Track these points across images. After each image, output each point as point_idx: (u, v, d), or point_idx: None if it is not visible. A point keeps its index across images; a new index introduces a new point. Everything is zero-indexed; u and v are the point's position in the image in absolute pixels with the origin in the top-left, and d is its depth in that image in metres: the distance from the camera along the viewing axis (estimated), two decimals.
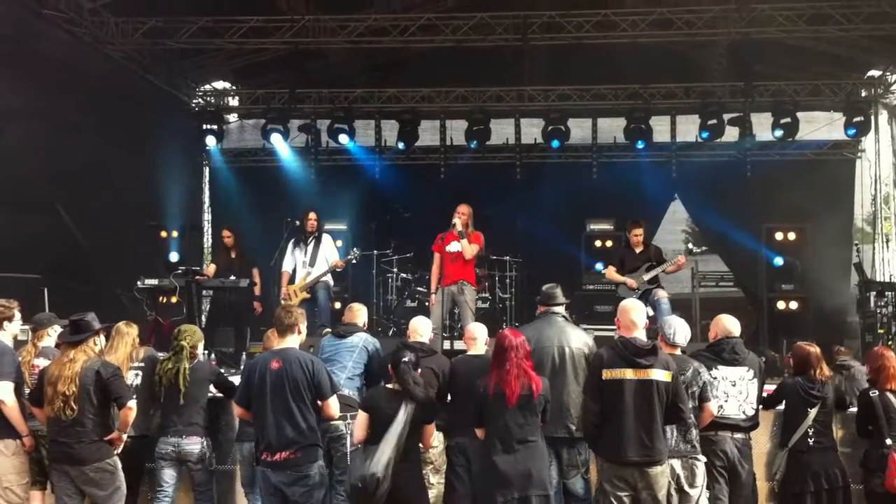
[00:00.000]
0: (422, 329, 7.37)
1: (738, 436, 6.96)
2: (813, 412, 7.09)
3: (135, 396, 6.68)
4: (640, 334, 6.20)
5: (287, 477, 6.17)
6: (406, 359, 6.27)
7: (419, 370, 6.40)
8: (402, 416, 6.04)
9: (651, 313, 9.32)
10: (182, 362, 7.06)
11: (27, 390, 6.87)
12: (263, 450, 6.20)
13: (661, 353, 6.17)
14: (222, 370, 8.29)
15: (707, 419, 6.65)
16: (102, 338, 6.82)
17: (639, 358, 6.00)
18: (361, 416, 6.26)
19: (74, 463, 6.35)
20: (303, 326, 6.55)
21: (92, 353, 6.51)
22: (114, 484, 6.48)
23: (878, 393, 7.22)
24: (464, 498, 6.61)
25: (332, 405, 6.33)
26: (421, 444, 6.37)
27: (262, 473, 6.28)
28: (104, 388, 6.36)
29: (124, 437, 6.60)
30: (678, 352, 6.68)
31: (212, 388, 7.37)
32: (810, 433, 7.08)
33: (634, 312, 6.28)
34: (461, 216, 9.98)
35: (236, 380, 7.67)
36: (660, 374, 6.00)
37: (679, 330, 6.75)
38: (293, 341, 6.44)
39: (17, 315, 7.04)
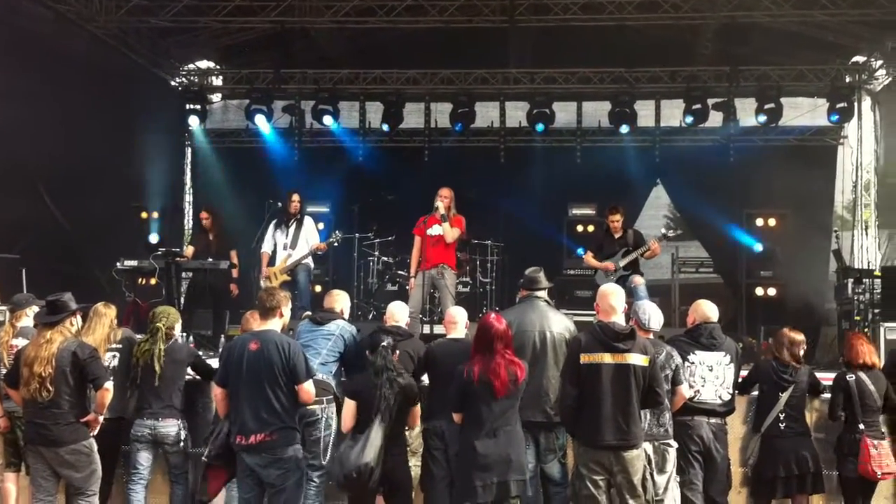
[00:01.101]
0: (398, 314, 7.39)
1: (714, 420, 7.04)
2: (784, 396, 7.15)
3: (112, 378, 6.66)
4: (619, 319, 6.22)
5: (262, 459, 6.17)
6: (384, 343, 6.29)
7: (396, 354, 6.43)
8: (382, 404, 6.08)
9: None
10: (158, 343, 7.04)
11: (3, 371, 6.85)
12: (237, 433, 6.19)
13: (640, 337, 6.20)
14: (200, 353, 8.27)
15: (679, 402, 6.72)
16: (80, 318, 6.79)
17: (617, 342, 6.02)
18: (349, 405, 6.29)
19: (50, 445, 6.34)
20: (286, 310, 6.52)
21: (69, 333, 6.49)
22: (90, 466, 6.48)
23: (853, 377, 7.29)
24: (441, 481, 6.63)
25: (307, 389, 6.31)
26: (407, 426, 6.43)
27: (238, 456, 6.27)
28: (81, 369, 6.35)
29: (100, 418, 6.58)
30: (651, 336, 6.71)
31: (189, 370, 7.37)
32: (782, 418, 7.16)
33: (613, 297, 6.30)
34: (444, 199, 9.96)
35: (214, 362, 7.68)
36: (637, 359, 6.03)
37: (653, 315, 6.79)
38: (275, 324, 6.42)
39: None
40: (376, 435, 6.04)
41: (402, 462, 6.37)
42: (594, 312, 6.44)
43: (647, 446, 6.37)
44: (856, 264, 13.95)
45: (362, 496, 6.36)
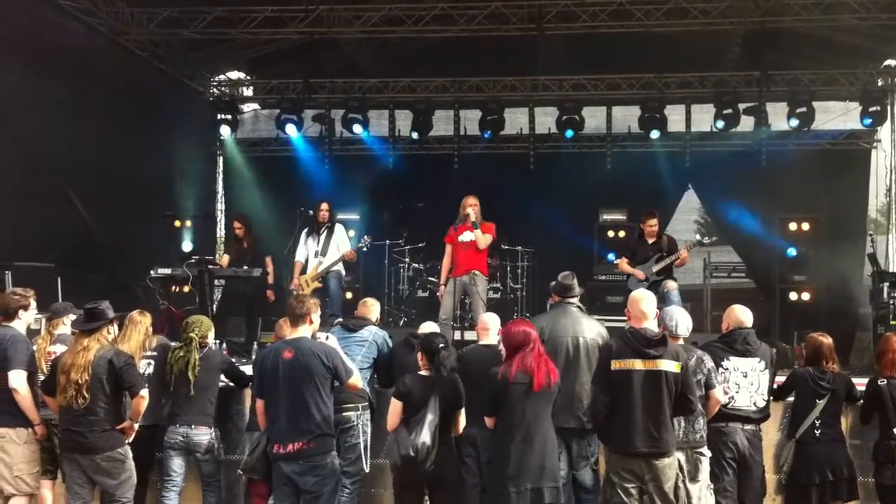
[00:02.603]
0: (426, 325, 7.49)
1: (749, 427, 6.94)
2: (821, 403, 7.07)
3: (147, 385, 6.70)
4: (651, 325, 6.18)
5: (299, 467, 6.21)
6: (441, 345, 6.36)
7: (451, 356, 6.50)
8: (434, 401, 6.14)
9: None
10: (192, 353, 7.07)
11: (41, 378, 6.93)
12: (275, 441, 6.23)
13: (671, 344, 6.15)
14: (233, 360, 8.32)
15: (714, 406, 6.64)
16: (116, 327, 6.85)
17: (648, 348, 5.98)
18: (396, 405, 6.32)
19: (86, 452, 6.38)
20: (315, 316, 6.56)
21: (105, 341, 6.53)
22: (124, 473, 6.51)
23: (885, 381, 7.20)
24: (473, 488, 6.62)
25: (354, 383, 6.47)
26: (452, 430, 6.44)
27: (275, 464, 6.30)
28: (117, 377, 6.38)
29: (136, 426, 6.62)
30: (680, 342, 6.66)
31: (223, 377, 7.42)
32: (817, 424, 7.05)
33: (644, 303, 6.26)
34: (473, 206, 9.97)
35: (247, 369, 7.73)
36: (669, 365, 5.98)
37: (680, 321, 6.71)
38: (305, 331, 6.46)
39: (33, 304, 7.09)
40: (430, 420, 6.09)
41: (449, 460, 6.36)
42: (626, 318, 6.41)
43: (680, 455, 6.31)
44: (891, 268, 13.78)
45: (411, 489, 6.38)
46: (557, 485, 6.04)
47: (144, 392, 6.51)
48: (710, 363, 6.66)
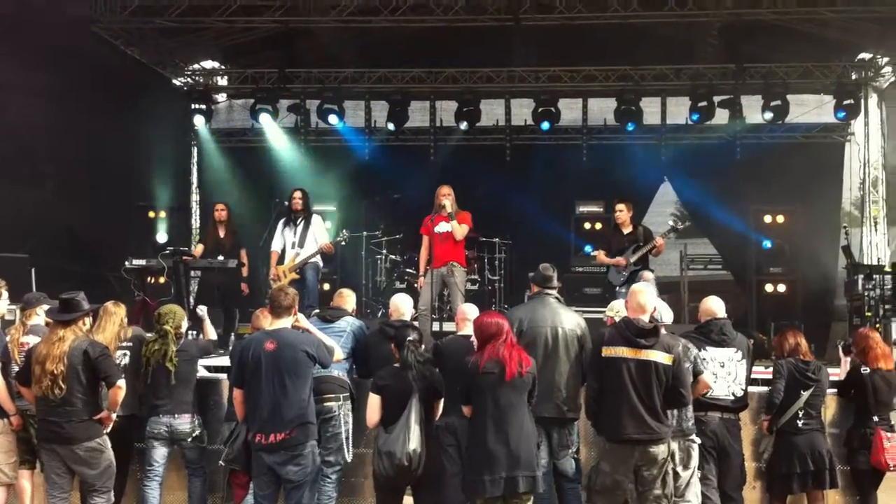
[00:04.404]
0: (403, 307, 7.43)
1: (727, 416, 7.01)
2: (806, 394, 7.14)
3: (123, 376, 6.67)
4: (647, 318, 6.24)
5: (281, 457, 6.21)
6: (410, 338, 6.35)
7: (423, 346, 6.48)
8: (415, 399, 6.16)
9: None
10: (169, 345, 7.07)
11: (15, 368, 6.86)
12: (256, 431, 6.21)
13: (664, 336, 6.20)
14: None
15: (703, 389, 6.74)
16: (91, 317, 6.80)
17: (639, 338, 6.04)
18: (374, 399, 6.33)
19: (64, 442, 6.35)
20: (296, 307, 6.58)
21: (80, 332, 6.51)
22: (103, 463, 6.50)
23: (868, 371, 7.29)
24: (453, 477, 6.59)
25: (338, 356, 6.64)
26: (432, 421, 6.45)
27: (256, 454, 6.28)
28: (93, 367, 6.36)
29: (114, 416, 6.60)
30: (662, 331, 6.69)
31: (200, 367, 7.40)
32: (800, 415, 7.15)
33: (643, 295, 6.34)
34: (447, 196, 9.94)
35: (224, 360, 7.69)
36: (660, 356, 6.05)
37: (664, 310, 6.78)
38: (287, 322, 6.46)
39: (5, 294, 7.04)
40: (414, 423, 6.10)
41: (432, 453, 6.35)
42: (602, 310, 6.46)
43: (674, 443, 6.36)
44: (865, 260, 13.91)
45: (397, 488, 6.39)
46: (533, 473, 6.00)
47: (121, 382, 6.49)
48: (694, 350, 6.77)
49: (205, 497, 7.41)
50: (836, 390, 7.67)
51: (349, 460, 7.07)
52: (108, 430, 6.57)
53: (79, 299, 6.54)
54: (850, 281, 12.02)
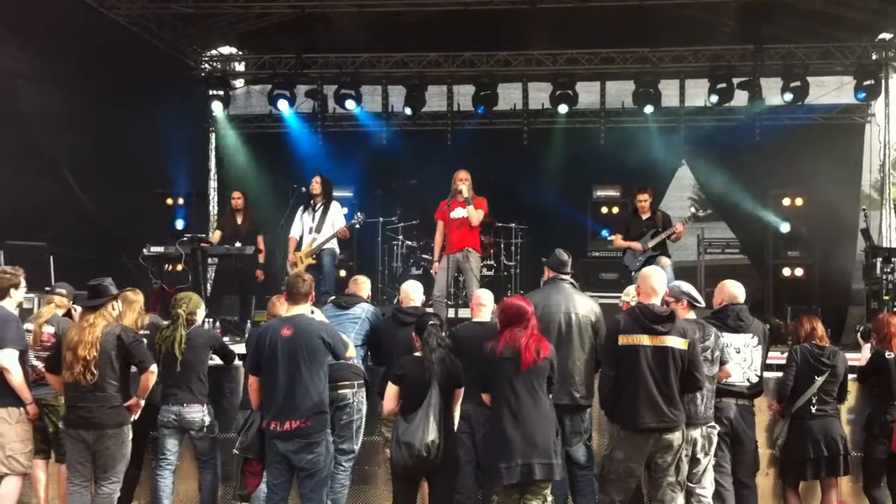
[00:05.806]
0: (413, 293, 7.43)
1: (742, 402, 6.99)
2: (820, 380, 7.10)
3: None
4: (660, 302, 6.22)
5: (295, 445, 6.21)
6: (432, 322, 6.33)
7: (444, 333, 6.47)
8: (434, 388, 6.11)
9: None
10: (179, 330, 7.06)
11: (33, 357, 6.93)
12: (271, 419, 6.22)
13: (679, 320, 6.19)
14: (227, 339, 8.30)
15: (723, 378, 6.74)
16: (120, 303, 6.84)
17: (655, 324, 6.03)
18: (392, 389, 6.29)
19: (93, 428, 6.37)
20: (313, 294, 6.60)
21: (111, 317, 6.53)
22: (125, 448, 6.54)
23: (892, 356, 7.23)
24: (467, 465, 6.63)
25: (350, 354, 6.63)
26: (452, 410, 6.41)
27: (270, 442, 6.30)
28: (126, 352, 6.41)
29: (142, 402, 6.65)
30: (693, 315, 6.66)
31: (213, 355, 7.41)
32: (814, 401, 7.11)
33: (655, 279, 6.31)
34: (464, 181, 9.90)
35: (240, 348, 7.71)
36: (676, 342, 6.03)
37: (694, 291, 6.78)
38: (304, 309, 6.46)
39: (23, 283, 7.08)
40: (433, 413, 6.06)
41: (451, 442, 6.32)
42: (619, 295, 6.42)
43: (696, 431, 6.42)
44: (884, 243, 13.78)
45: (414, 477, 6.39)
46: (550, 461, 5.96)
47: (154, 367, 6.56)
48: (724, 339, 6.73)
49: (216, 490, 7.41)
50: (855, 376, 7.60)
51: (355, 449, 7.07)
52: (136, 417, 6.61)
53: (105, 284, 6.56)
54: (868, 264, 11.90)
